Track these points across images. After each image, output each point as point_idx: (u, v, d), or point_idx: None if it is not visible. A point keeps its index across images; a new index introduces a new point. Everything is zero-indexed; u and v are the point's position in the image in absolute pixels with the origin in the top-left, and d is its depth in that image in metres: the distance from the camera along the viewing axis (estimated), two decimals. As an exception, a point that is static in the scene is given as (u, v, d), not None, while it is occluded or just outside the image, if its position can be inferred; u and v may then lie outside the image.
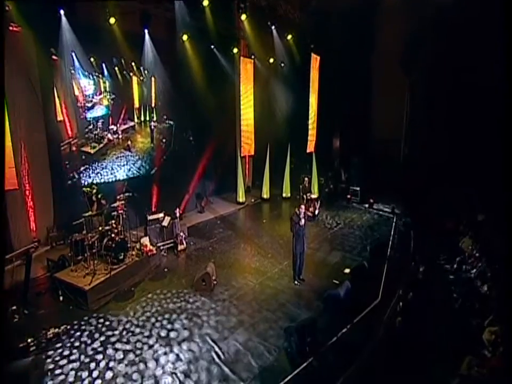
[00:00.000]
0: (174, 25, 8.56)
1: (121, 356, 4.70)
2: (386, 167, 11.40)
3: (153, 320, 5.52)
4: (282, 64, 12.11)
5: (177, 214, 8.11)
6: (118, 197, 7.15)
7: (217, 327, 5.37)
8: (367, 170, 11.56)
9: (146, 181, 9.52)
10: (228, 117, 11.06)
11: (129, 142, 9.10)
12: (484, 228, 7.17)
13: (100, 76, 8.00)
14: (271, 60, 11.67)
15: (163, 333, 5.22)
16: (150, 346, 4.91)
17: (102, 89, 8.13)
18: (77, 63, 7.42)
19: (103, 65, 8.01)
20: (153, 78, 9.33)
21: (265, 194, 12.35)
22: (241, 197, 11.68)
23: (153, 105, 9.66)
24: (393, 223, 9.79)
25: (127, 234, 7.16)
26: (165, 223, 8.00)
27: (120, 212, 7.13)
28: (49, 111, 7.49)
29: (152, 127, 9.76)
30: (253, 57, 11.01)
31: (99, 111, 8.18)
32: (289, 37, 10.77)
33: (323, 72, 11.75)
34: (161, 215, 8.22)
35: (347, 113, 11.86)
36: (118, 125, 8.82)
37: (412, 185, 10.31)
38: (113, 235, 6.70)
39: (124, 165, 9.00)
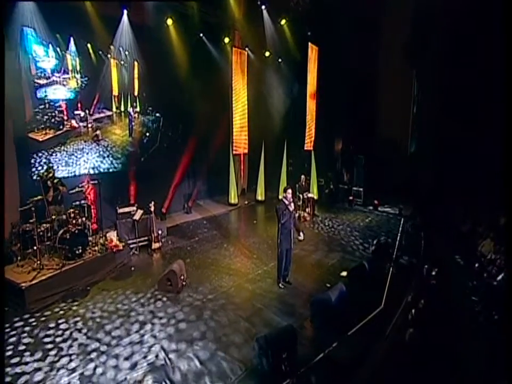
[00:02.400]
0: (156, 7, 7.95)
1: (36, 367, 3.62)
2: (392, 166, 10.58)
3: (98, 325, 4.49)
4: (280, 60, 11.50)
5: (152, 209, 7.14)
6: (81, 184, 6.29)
7: (175, 336, 4.29)
8: (371, 170, 10.72)
9: (122, 177, 8.44)
10: (220, 111, 10.28)
11: (97, 132, 7.83)
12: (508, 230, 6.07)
13: (66, 51, 6.80)
14: (267, 54, 11.05)
15: (105, 341, 4.15)
16: (83, 359, 3.84)
17: (70, 68, 7.01)
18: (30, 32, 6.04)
19: (71, 39, 6.80)
20: (135, 63, 8.40)
21: (260, 196, 11.45)
22: (233, 198, 10.88)
23: (135, 93, 8.70)
24: (400, 224, 8.83)
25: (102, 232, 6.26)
26: (136, 217, 7.05)
27: (84, 202, 6.28)
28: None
29: (132, 118, 8.73)
30: (246, 49, 10.40)
31: (61, 93, 6.90)
32: (283, 21, 10.09)
33: (322, 64, 10.98)
34: (133, 208, 7.29)
35: (349, 109, 11.10)
36: (89, 112, 7.64)
37: (422, 184, 9.48)
38: (70, 226, 5.78)
39: (87, 158, 7.62)
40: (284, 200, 5.24)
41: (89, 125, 7.70)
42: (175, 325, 4.52)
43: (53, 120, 6.82)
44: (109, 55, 7.84)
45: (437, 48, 9.14)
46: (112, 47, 7.76)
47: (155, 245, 7.23)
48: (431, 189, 8.95)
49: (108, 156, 8.22)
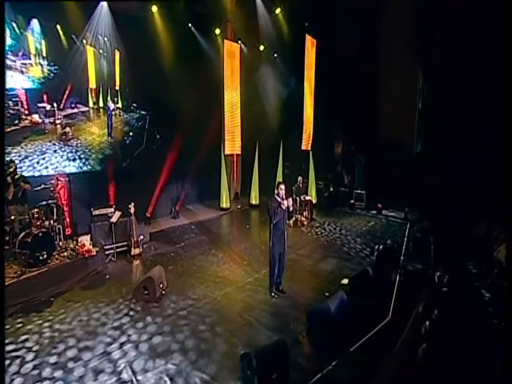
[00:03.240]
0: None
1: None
2: (397, 167, 10.22)
3: (56, 342, 4.00)
4: (276, 55, 11.32)
5: (132, 210, 6.70)
6: (49, 182, 5.86)
7: (147, 353, 3.81)
8: (374, 171, 10.41)
9: (100, 177, 7.93)
10: (210, 108, 10.01)
11: (67, 130, 7.00)
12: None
13: (27, 30, 5.82)
14: (261, 47, 10.87)
15: (61, 363, 3.66)
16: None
17: (32, 52, 6.14)
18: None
19: (35, 20, 5.87)
20: (117, 52, 7.93)
21: (254, 200, 11.09)
22: (225, 203, 10.56)
23: (117, 87, 8.20)
24: (407, 228, 8.50)
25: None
26: (113, 219, 6.61)
27: (53, 202, 5.86)
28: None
29: (112, 115, 8.07)
30: (239, 42, 10.21)
31: (19, 81, 5.97)
32: (277, 10, 9.92)
33: (321, 58, 10.75)
34: (110, 210, 6.86)
35: (350, 106, 10.82)
36: (58, 106, 6.84)
37: (429, 186, 9.10)
38: (33, 229, 5.33)
39: (54, 161, 6.70)
40: (276, 197, 4.86)
41: (58, 121, 6.92)
42: (148, 340, 4.06)
43: (6, 113, 5.97)
44: (84, 41, 7.12)
45: (444, 40, 8.91)
46: (89, 34, 7.17)
47: (135, 251, 6.78)
48: (439, 190, 8.59)
49: (79, 158, 7.44)
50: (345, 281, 5.41)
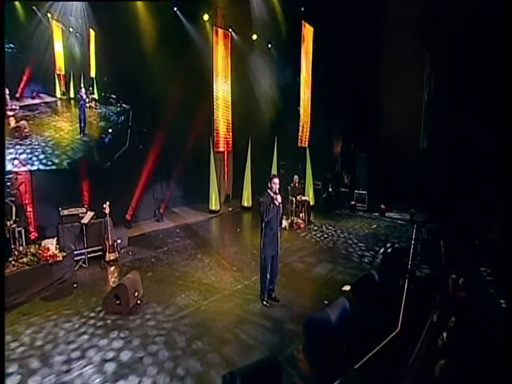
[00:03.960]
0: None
1: None
2: (401, 165, 10.07)
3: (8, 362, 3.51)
4: (270, 45, 11.11)
5: (107, 211, 6.27)
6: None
7: (114, 374, 3.37)
8: (376, 170, 10.31)
9: (72, 175, 7.34)
10: (199, 102, 9.69)
11: (21, 123, 5.88)
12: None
13: None
14: (254, 36, 10.64)
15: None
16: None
17: None
18: None
19: None
20: (91, 32, 7.22)
21: (246, 202, 10.79)
22: (214, 205, 10.23)
23: (92, 74, 7.51)
24: (414, 231, 8.24)
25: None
26: (84, 220, 6.16)
27: (11, 200, 5.41)
28: None
29: (84, 107, 7.23)
30: (230, 30, 9.97)
31: None
32: None
33: (318, 47, 10.53)
34: (82, 209, 6.41)
35: (350, 99, 10.66)
36: (12, 95, 5.83)
37: (437, 185, 8.94)
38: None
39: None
40: (269, 191, 4.50)
41: (11, 113, 5.99)
42: (116, 358, 3.61)
43: None
44: (49, 15, 6.13)
45: (454, 25, 8.69)
46: (55, 10, 6.36)
47: (110, 256, 6.33)
48: (447, 189, 8.41)
49: (38, 160, 6.25)
50: (346, 287, 5.08)
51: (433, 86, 9.85)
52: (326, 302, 4.63)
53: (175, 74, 8.74)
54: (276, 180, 4.49)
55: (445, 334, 3.14)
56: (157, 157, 9.16)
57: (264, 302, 4.65)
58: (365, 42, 10.04)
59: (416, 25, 9.48)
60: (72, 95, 7.29)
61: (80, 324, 4.26)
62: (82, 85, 7.39)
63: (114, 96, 8.35)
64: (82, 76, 7.39)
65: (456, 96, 8.74)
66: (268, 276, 4.63)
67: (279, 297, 4.80)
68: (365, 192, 10.32)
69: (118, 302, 4.50)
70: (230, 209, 10.65)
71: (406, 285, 5.07)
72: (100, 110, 8.02)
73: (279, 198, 4.45)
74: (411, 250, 6.67)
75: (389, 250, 5.67)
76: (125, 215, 8.54)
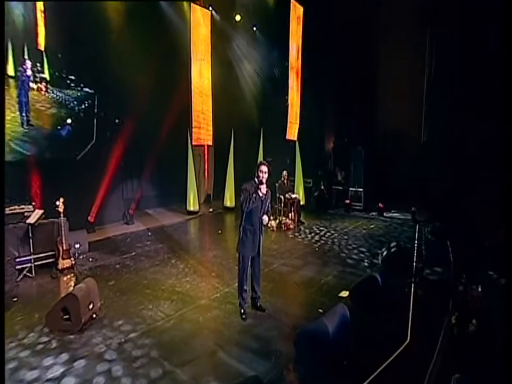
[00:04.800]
0: None
1: None
2: (400, 159, 10.15)
3: None
4: (255, 28, 10.83)
5: (60, 209, 5.65)
6: None
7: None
8: (373, 165, 10.26)
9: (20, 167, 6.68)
10: (175, 88, 9.28)
11: None
12: None
13: None
14: (238, 17, 10.34)
15: None
16: None
17: None
18: None
19: None
20: None
21: (229, 202, 10.46)
22: (192, 205, 9.90)
23: (40, 47, 6.56)
24: (416, 231, 8.10)
25: None
26: (31, 220, 5.52)
27: None
28: None
29: (25, 90, 6.25)
30: (210, 8, 9.62)
31: None
32: None
33: (308, 30, 10.35)
34: (28, 207, 5.77)
35: (343, 88, 10.60)
36: None
37: (440, 181, 8.86)
38: None
39: None
40: (255, 180, 4.08)
41: None
42: (56, 386, 3.04)
43: None
44: None
45: (456, 7, 8.57)
46: None
47: (64, 263, 5.72)
48: (452, 186, 8.29)
49: None
50: (344, 293, 4.72)
51: (435, 73, 9.74)
52: (320, 310, 4.26)
53: (148, 56, 8.30)
54: (264, 168, 4.06)
55: (462, 346, 2.76)
56: (126, 151, 8.64)
57: (242, 311, 4.17)
58: (361, 24, 9.94)
59: (417, 5, 9.39)
60: (11, 72, 6.22)
61: (12, 346, 3.64)
62: (27, 62, 6.47)
63: (72, 78, 7.64)
64: (25, 48, 6.39)
65: (460, 84, 8.61)
66: (246, 281, 4.18)
67: (265, 306, 4.39)
68: (360, 189, 10.27)
69: (66, 316, 3.92)
70: (210, 210, 10.34)
71: (412, 289, 4.74)
72: (53, 95, 7.14)
73: (263, 188, 4.03)
74: (415, 251, 6.46)
75: (392, 250, 5.31)
76: (87, 217, 7.94)
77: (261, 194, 4.02)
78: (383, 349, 3.40)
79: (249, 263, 4.17)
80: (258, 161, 4.31)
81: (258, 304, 4.33)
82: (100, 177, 8.18)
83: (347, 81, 10.42)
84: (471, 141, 8.21)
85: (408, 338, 3.59)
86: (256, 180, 4.08)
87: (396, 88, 10.32)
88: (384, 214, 9.55)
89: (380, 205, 9.59)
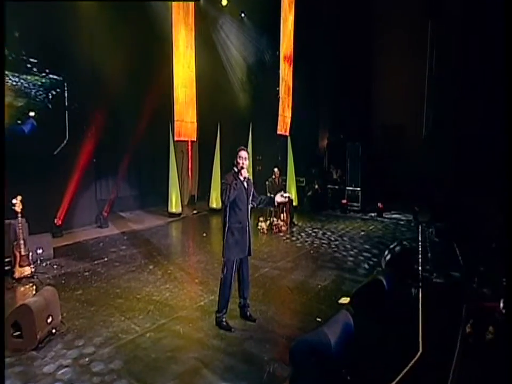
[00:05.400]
0: None
1: None
2: (400, 156, 10.23)
3: None
4: (243, 14, 10.69)
5: (18, 208, 5.22)
6: None
7: None
8: (372, 163, 10.32)
9: None
10: (154, 78, 8.96)
11: None
12: None
13: None
14: (224, 2, 10.14)
15: None
16: None
17: None
18: None
19: None
20: None
21: (215, 203, 10.25)
22: (174, 206, 9.64)
23: None
24: (419, 232, 8.10)
25: None
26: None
27: None
28: None
29: None
30: (193, -9, 9.42)
31: None
32: None
33: (302, 15, 10.22)
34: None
35: (339, 79, 10.62)
36: None
37: (443, 178, 8.95)
38: None
39: None
40: (234, 169, 3.83)
41: None
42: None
43: None
44: None
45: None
46: None
47: (22, 271, 5.29)
48: (456, 183, 8.34)
49: None
50: (344, 299, 4.52)
51: (437, 64, 9.75)
52: (319, 319, 4.05)
53: (125, 40, 8.06)
54: (243, 153, 3.81)
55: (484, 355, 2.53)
56: (100, 146, 8.32)
57: (223, 321, 3.87)
58: (359, 12, 9.99)
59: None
60: None
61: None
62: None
63: (34, 61, 7.12)
64: None
65: (464, 75, 8.61)
66: (230, 289, 3.88)
67: (256, 315, 4.12)
68: (358, 189, 10.26)
69: (17, 333, 3.51)
70: (194, 211, 10.13)
71: (420, 293, 4.57)
72: (9, 80, 6.57)
73: (244, 172, 3.77)
74: (419, 254, 6.37)
75: (397, 250, 5.12)
76: (53, 219, 7.51)
77: (242, 178, 3.76)
78: (392, 361, 3.16)
79: (236, 267, 3.88)
80: (238, 148, 4.03)
81: (248, 313, 4.04)
82: (69, 175, 7.75)
83: (343, 73, 10.43)
84: (475, 135, 8.18)
85: (420, 349, 3.36)
86: (235, 168, 3.83)
87: (395, 80, 10.35)
88: (384, 215, 9.56)
89: (379, 205, 9.58)
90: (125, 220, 9.30)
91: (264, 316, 4.17)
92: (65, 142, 7.61)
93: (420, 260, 6.05)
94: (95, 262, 6.16)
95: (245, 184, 3.82)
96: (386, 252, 5.23)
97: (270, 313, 4.26)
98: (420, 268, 5.61)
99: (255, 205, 4.06)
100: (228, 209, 3.80)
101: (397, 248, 5.11)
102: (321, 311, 4.29)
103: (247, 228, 3.86)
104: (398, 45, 10.18)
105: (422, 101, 10.06)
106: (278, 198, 3.97)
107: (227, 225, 3.82)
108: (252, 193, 3.93)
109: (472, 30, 8.46)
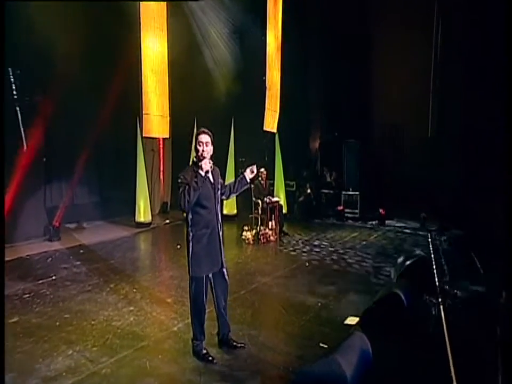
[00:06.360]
0: None
1: None
2: (403, 156, 10.33)
3: None
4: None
5: None
6: None
7: None
8: (371, 163, 10.38)
9: None
10: (121, 64, 8.71)
11: None
12: None
13: None
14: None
15: None
16: None
17: None
18: None
19: None
20: None
21: None
22: (143, 215, 9.47)
23: None
24: (429, 240, 8.12)
25: None
26: None
27: None
28: None
29: None
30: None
31: None
32: None
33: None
34: None
35: (334, 69, 10.60)
36: None
37: (453, 182, 8.87)
38: None
39: None
40: (194, 159, 3.45)
41: None
42: None
43: None
44: None
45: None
46: None
47: None
48: (468, 186, 8.25)
49: None
50: (351, 320, 4.25)
51: (444, 52, 9.73)
52: (323, 345, 3.73)
53: (83, 20, 7.84)
54: (204, 137, 3.35)
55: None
56: (52, 142, 8.09)
57: (203, 352, 3.43)
58: None
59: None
60: None
61: None
62: None
63: None
64: None
65: (473, 66, 8.56)
66: (203, 311, 3.47)
67: (244, 340, 3.74)
68: (356, 193, 10.28)
69: None
70: (167, 221, 9.97)
71: (442, 310, 4.33)
72: None
73: (206, 163, 3.25)
74: (434, 265, 6.26)
75: (407, 263, 4.88)
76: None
77: (203, 174, 3.25)
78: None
79: (208, 284, 3.47)
80: (198, 131, 3.61)
81: (231, 341, 3.61)
82: (7, 178, 7.22)
83: (339, 63, 10.42)
84: (488, 133, 8.18)
85: (454, 379, 3.01)
86: (194, 158, 3.41)
87: (397, 73, 10.38)
88: (386, 223, 9.60)
89: (381, 211, 9.60)
90: (81, 231, 8.98)
91: (255, 342, 3.83)
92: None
93: (435, 271, 5.88)
94: (39, 282, 5.75)
95: (210, 177, 3.35)
96: (398, 261, 5.00)
97: (262, 338, 3.92)
98: (436, 280, 5.43)
99: (227, 197, 3.68)
100: (191, 216, 3.33)
101: (411, 257, 4.84)
102: (324, 334, 4.00)
103: (218, 232, 3.42)
104: (401, 30, 10.26)
105: (426, 94, 10.11)
106: (248, 174, 3.55)
107: (191, 233, 3.36)
108: (220, 187, 3.50)
109: (484, 12, 8.55)
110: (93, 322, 4.32)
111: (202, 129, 3.46)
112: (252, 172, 3.59)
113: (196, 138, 3.40)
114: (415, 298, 3.93)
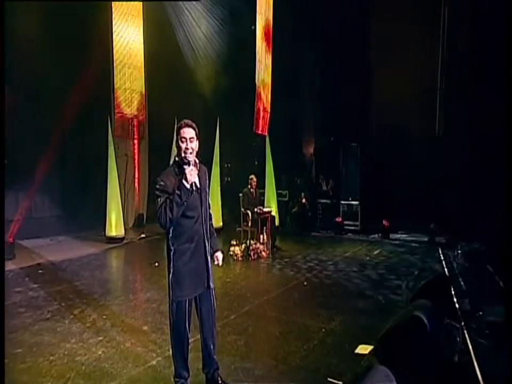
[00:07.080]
0: None
1: None
2: (408, 161, 10.24)
3: None
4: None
5: None
6: None
7: None
8: (374, 168, 10.45)
9: None
10: (90, 58, 8.76)
11: None
12: None
13: None
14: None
15: None
16: None
17: None
18: None
19: None
20: None
21: None
22: (114, 229, 9.38)
23: None
24: (440, 256, 8.15)
25: None
26: None
27: None
28: None
29: None
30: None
31: None
32: None
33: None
34: None
35: (330, 66, 10.77)
36: None
37: (464, 189, 9.02)
38: None
39: None
40: (175, 158, 3.19)
41: None
42: None
43: None
44: None
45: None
46: None
47: None
48: (481, 194, 8.30)
49: None
50: (363, 348, 4.09)
51: (452, 46, 9.92)
52: (331, 379, 3.52)
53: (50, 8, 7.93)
54: (188, 131, 3.04)
55: None
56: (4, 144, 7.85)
57: None
58: None
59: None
60: None
61: None
62: None
63: None
64: None
65: (489, 62, 8.65)
66: (186, 343, 3.20)
67: (238, 375, 3.53)
68: (356, 202, 10.39)
69: None
70: (142, 235, 9.88)
71: (467, 335, 4.19)
72: None
73: (191, 173, 2.96)
74: (450, 283, 6.14)
75: (422, 282, 4.79)
76: None
77: (188, 186, 2.94)
78: None
79: (193, 309, 3.20)
80: (180, 123, 3.35)
81: (218, 378, 3.29)
82: None
83: (335, 58, 10.60)
84: (502, 133, 8.31)
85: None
86: (176, 157, 3.14)
87: (400, 70, 10.47)
88: (391, 236, 9.73)
89: (384, 222, 9.66)
90: (41, 248, 8.71)
91: (250, 376, 3.62)
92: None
93: (453, 291, 5.73)
94: (-14, 308, 5.41)
95: (196, 182, 3.06)
96: (410, 280, 4.87)
97: (258, 372, 3.71)
98: (455, 300, 5.30)
99: None
100: (172, 228, 3.05)
101: (425, 275, 4.75)
102: (331, 365, 3.81)
103: (205, 246, 3.13)
104: (404, 23, 10.43)
105: (435, 90, 10.27)
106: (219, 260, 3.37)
107: (172, 248, 3.08)
108: (208, 190, 3.27)
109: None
110: (51, 358, 4.07)
111: (185, 121, 3.13)
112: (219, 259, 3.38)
113: (178, 133, 3.09)
114: (438, 322, 3.75)
